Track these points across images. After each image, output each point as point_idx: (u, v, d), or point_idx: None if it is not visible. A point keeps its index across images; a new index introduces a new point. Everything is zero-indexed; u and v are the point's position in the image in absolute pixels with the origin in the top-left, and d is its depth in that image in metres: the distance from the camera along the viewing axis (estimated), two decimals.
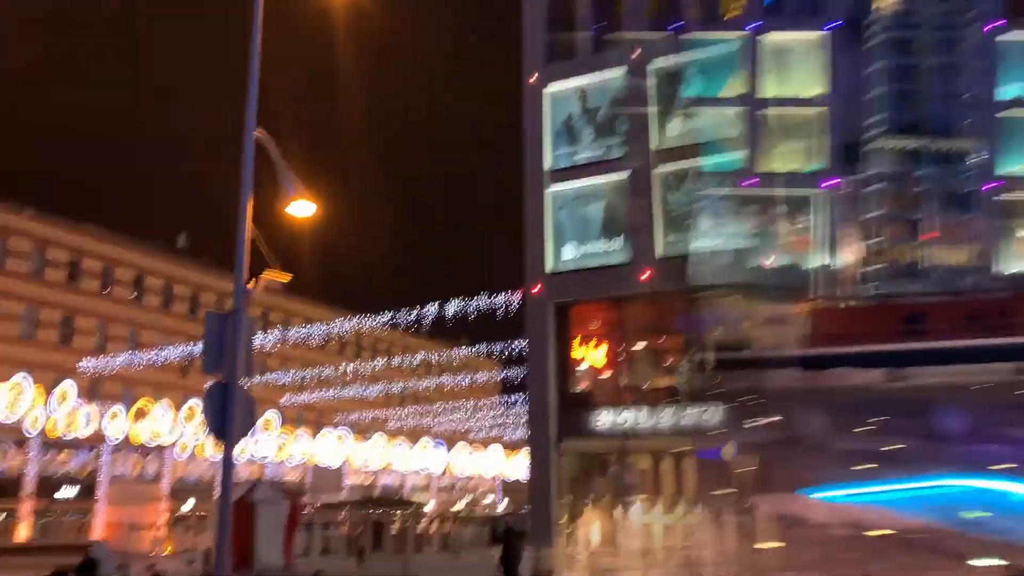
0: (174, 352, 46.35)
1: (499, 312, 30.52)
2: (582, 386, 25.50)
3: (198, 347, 45.21)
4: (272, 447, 50.46)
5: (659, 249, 24.14)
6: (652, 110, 24.97)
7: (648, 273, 23.81)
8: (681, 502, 23.55)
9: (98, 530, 50.35)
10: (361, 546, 39.15)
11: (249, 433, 7.72)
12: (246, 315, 7.90)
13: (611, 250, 24.96)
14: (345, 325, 41.81)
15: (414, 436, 67.21)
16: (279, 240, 8.93)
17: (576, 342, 25.37)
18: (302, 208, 9.06)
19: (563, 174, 25.96)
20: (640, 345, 25.13)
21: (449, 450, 64.42)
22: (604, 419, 23.98)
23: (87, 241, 53.98)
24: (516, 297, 27.87)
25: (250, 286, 8.03)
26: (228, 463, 7.49)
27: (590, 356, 25.34)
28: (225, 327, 7.74)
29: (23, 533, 46.06)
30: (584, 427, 24.21)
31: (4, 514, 46.89)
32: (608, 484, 24.54)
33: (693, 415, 22.95)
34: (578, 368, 25.39)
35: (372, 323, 39.78)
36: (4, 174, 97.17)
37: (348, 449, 54.86)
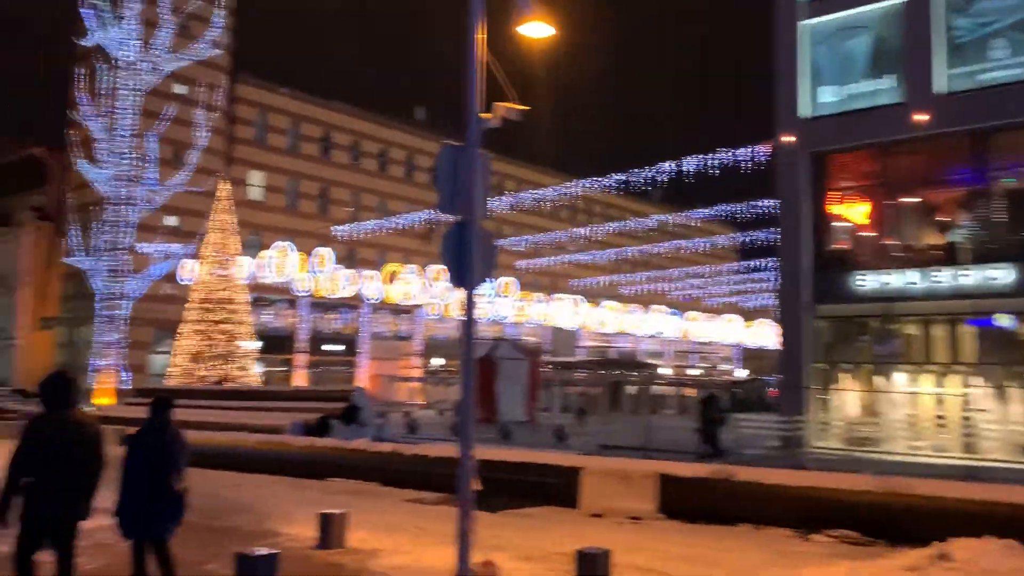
0: (418, 219, 48.34)
1: (744, 167, 28.18)
2: (841, 245, 23.07)
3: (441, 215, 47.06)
4: (511, 309, 52.02)
5: (939, 85, 20.66)
6: None
7: (925, 114, 20.54)
8: (954, 372, 21.01)
9: (361, 381, 55.46)
10: (581, 407, 39.32)
11: (488, 278, 7.04)
12: (479, 149, 7.10)
13: (879, 89, 21.75)
14: (576, 188, 41.09)
15: (647, 303, 66.74)
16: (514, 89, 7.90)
17: (834, 196, 22.81)
18: (537, 29, 7.99)
19: (823, 4, 22.74)
20: (911, 198, 22.11)
21: (683, 317, 63.30)
22: (866, 281, 21.60)
23: (337, 116, 56.95)
24: (763, 150, 25.44)
25: (485, 116, 7.16)
26: (470, 307, 6.89)
27: (851, 211, 22.74)
28: (459, 161, 7.00)
29: (299, 382, 51.72)
30: (843, 290, 22.01)
31: (283, 366, 52.86)
32: (869, 351, 22.38)
33: (975, 277, 20.01)
34: (836, 225, 22.91)
35: (605, 184, 38.63)
36: (261, 54, 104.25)
37: (584, 313, 55.43)
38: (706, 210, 43.73)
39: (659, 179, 34.10)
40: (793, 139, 22.75)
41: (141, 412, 23.54)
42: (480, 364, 37.07)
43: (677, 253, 72.63)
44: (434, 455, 13.22)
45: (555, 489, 11.69)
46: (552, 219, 68.25)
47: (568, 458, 12.08)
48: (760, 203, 36.12)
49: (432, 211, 47.25)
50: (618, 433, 30.66)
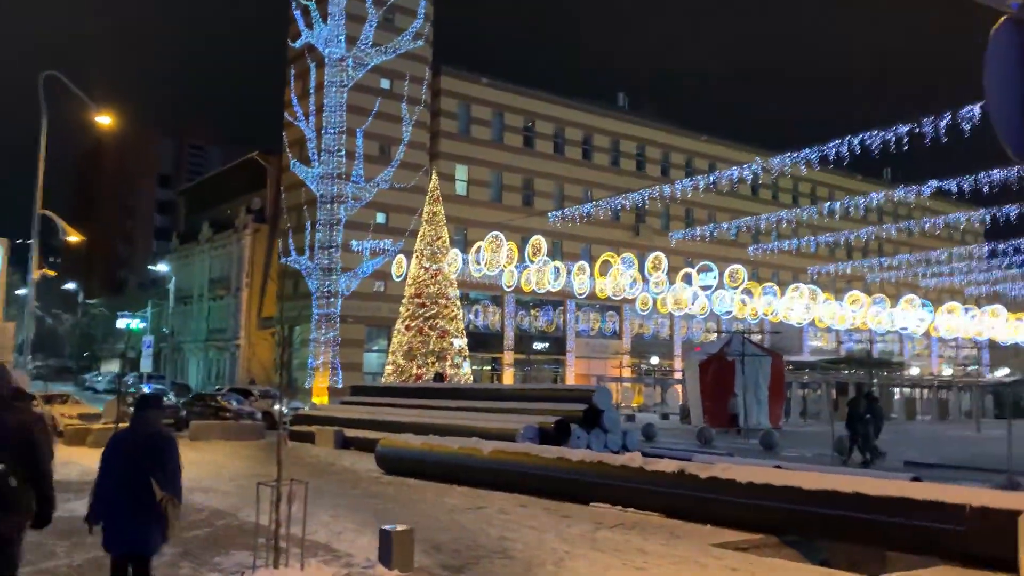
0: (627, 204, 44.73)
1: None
2: None
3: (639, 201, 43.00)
4: (733, 302, 47.00)
5: None
6: None
7: None
8: None
9: (569, 380, 52.62)
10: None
11: None
12: None
13: None
14: (794, 160, 35.47)
15: (886, 294, 59.19)
16: None
17: None
18: None
19: None
20: None
21: (935, 310, 55.13)
22: None
23: (539, 104, 54.49)
24: None
25: None
26: None
27: None
28: None
29: (507, 380, 49.63)
30: None
31: (491, 365, 51.04)
32: None
33: None
34: None
35: (834, 151, 32.72)
36: (461, 44, 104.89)
37: (820, 307, 49.30)
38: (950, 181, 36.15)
39: (919, 135, 28.28)
40: None
41: (354, 412, 21.41)
42: (714, 363, 32.82)
43: (924, 235, 64.36)
44: (744, 480, 9.52)
45: (958, 539, 7.66)
46: (756, 201, 62.40)
47: (981, 493, 8.01)
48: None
49: (640, 194, 43.40)
50: (897, 444, 25.52)
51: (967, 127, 26.67)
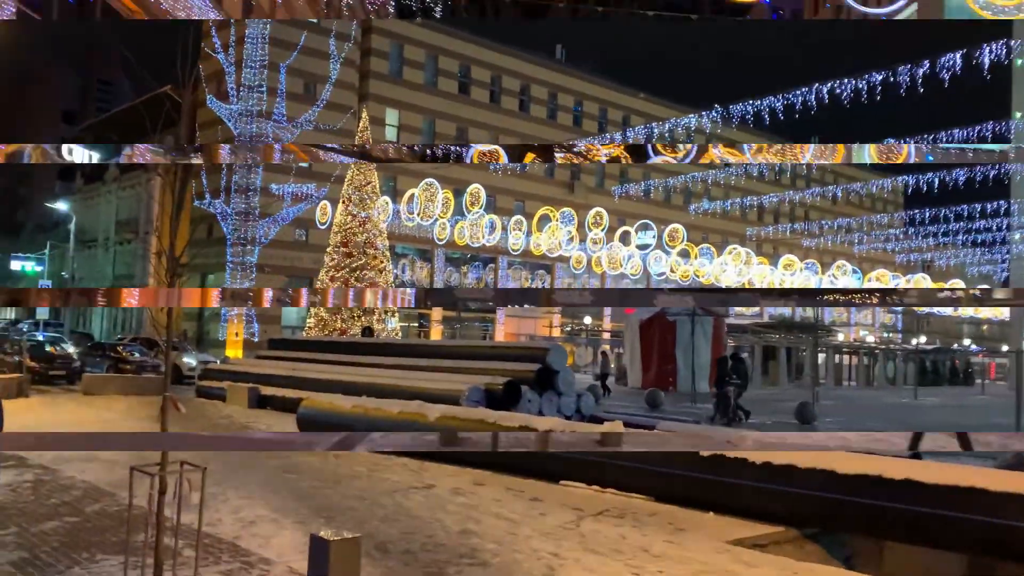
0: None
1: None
2: None
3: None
4: (668, 262, 45.91)
5: None
6: None
7: None
8: None
9: (499, 338, 50.95)
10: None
11: None
12: None
13: None
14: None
15: (817, 259, 59.33)
16: None
17: None
18: None
19: None
20: None
21: (863, 277, 55.39)
22: None
23: (476, 50, 51.89)
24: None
25: None
26: None
27: None
28: None
29: (435, 337, 47.59)
30: None
31: (418, 322, 48.88)
32: None
33: None
34: None
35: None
36: None
37: (753, 270, 48.75)
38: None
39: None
40: None
41: (272, 367, 19.12)
42: (654, 324, 31.49)
43: (843, 206, 64.56)
44: (759, 461, 7.81)
45: None
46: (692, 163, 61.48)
47: None
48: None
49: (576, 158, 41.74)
50: (844, 411, 24.67)
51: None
